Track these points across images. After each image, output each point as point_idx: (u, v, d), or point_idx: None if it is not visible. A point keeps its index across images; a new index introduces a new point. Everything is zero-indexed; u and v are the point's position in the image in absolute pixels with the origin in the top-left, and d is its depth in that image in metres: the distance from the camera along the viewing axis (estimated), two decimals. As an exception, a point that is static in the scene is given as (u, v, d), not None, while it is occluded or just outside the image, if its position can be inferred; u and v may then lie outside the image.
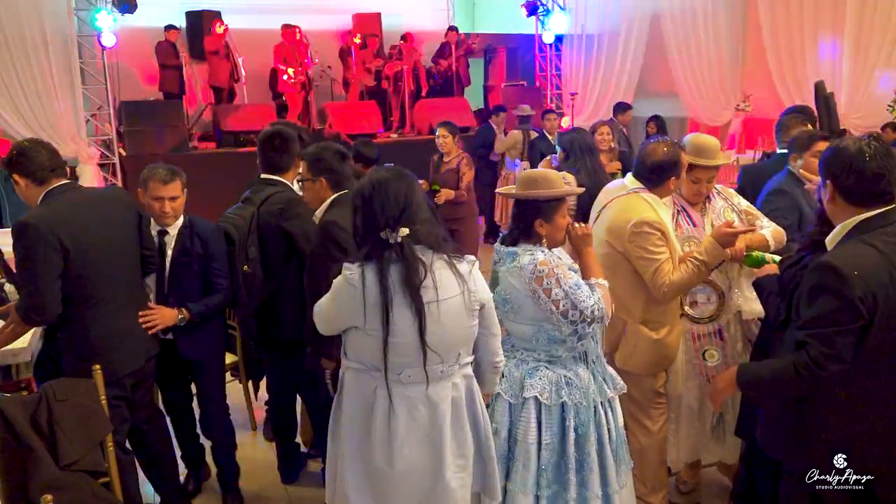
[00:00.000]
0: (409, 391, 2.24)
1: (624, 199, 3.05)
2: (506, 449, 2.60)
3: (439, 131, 6.08)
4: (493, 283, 2.63)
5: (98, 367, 2.85)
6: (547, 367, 2.59)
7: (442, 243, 2.24)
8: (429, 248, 2.21)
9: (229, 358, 4.11)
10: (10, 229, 2.88)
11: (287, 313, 3.40)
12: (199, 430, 3.67)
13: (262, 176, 3.59)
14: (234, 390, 4.02)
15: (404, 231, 2.15)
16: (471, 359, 2.38)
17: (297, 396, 3.83)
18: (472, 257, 2.34)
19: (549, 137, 8.14)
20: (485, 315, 2.34)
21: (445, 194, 5.81)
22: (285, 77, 10.21)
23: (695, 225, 3.17)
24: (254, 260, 3.39)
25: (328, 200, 3.12)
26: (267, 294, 3.44)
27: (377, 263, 2.16)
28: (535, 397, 2.55)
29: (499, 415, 2.60)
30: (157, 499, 3.49)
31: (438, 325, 2.18)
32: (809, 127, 4.08)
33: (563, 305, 2.48)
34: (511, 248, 2.59)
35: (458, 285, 2.22)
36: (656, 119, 9.13)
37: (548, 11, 11.59)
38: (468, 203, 6.06)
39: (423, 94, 11.41)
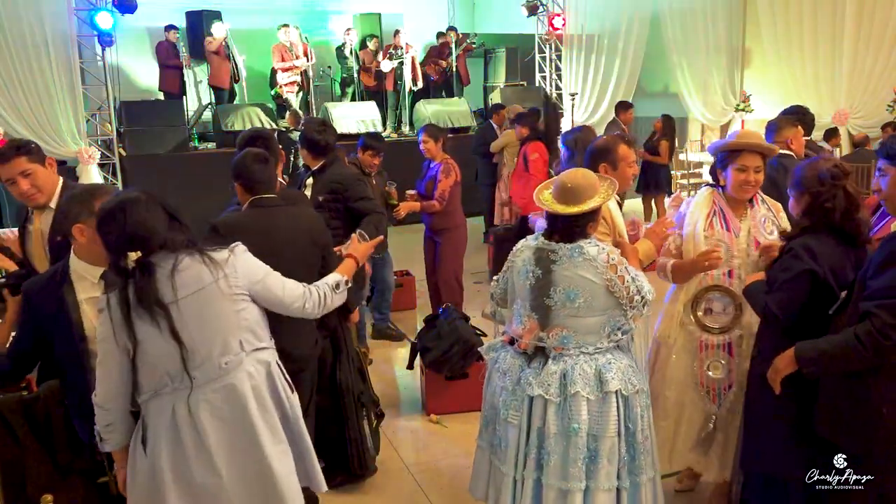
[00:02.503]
0: (202, 393, 2.22)
1: None
2: (586, 448, 2.56)
3: (421, 136, 5.46)
4: (545, 284, 2.58)
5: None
6: (614, 358, 2.62)
7: (186, 244, 2.23)
8: (172, 253, 2.19)
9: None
10: (9, 230, 2.89)
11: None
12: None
13: None
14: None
15: (133, 256, 2.15)
16: (262, 344, 2.36)
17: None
18: (239, 243, 2.33)
19: (551, 138, 8.12)
20: (269, 287, 2.34)
21: (406, 207, 5.30)
22: (280, 77, 10.29)
23: (728, 230, 3.03)
24: None
25: (246, 203, 3.08)
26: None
27: (120, 289, 2.15)
28: (619, 390, 2.57)
29: (576, 413, 2.55)
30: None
31: (188, 320, 2.18)
32: (800, 128, 4.04)
33: (632, 291, 2.57)
34: (573, 244, 2.57)
35: (209, 275, 2.21)
36: (665, 118, 9.06)
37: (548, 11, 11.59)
38: (447, 213, 5.39)
39: (423, 93, 11.40)
